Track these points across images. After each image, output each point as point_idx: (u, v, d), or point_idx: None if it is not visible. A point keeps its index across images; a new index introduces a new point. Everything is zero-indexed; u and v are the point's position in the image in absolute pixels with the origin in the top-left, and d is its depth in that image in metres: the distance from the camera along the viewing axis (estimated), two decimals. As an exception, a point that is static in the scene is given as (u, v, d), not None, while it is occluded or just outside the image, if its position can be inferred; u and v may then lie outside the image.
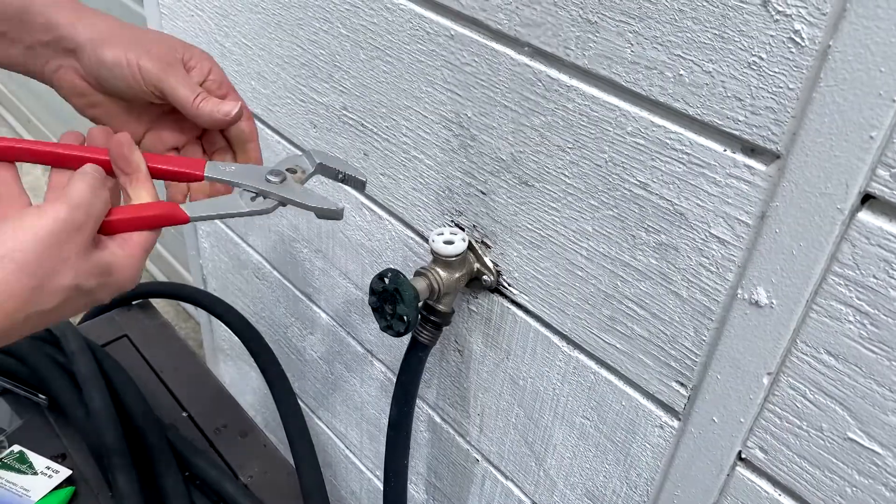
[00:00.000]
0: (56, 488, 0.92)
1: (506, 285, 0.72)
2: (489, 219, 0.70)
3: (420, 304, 0.69)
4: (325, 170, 0.62)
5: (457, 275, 0.71)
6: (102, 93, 0.60)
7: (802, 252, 0.48)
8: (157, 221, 0.52)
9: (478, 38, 0.62)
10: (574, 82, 0.57)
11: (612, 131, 0.56)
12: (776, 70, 0.45)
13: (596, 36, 0.53)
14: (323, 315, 1.07)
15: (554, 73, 0.58)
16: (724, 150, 0.50)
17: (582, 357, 0.68)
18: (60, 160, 0.54)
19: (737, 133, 0.49)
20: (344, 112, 0.81)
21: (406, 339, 0.75)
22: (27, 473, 0.93)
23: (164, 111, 0.62)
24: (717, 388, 0.57)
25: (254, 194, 0.57)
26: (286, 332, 1.19)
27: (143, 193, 0.54)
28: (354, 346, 1.02)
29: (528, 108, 0.61)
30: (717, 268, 0.53)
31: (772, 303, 0.51)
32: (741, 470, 0.59)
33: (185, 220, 0.54)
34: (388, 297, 0.68)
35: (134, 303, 1.20)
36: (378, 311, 0.70)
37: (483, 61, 0.63)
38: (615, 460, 0.69)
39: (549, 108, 0.59)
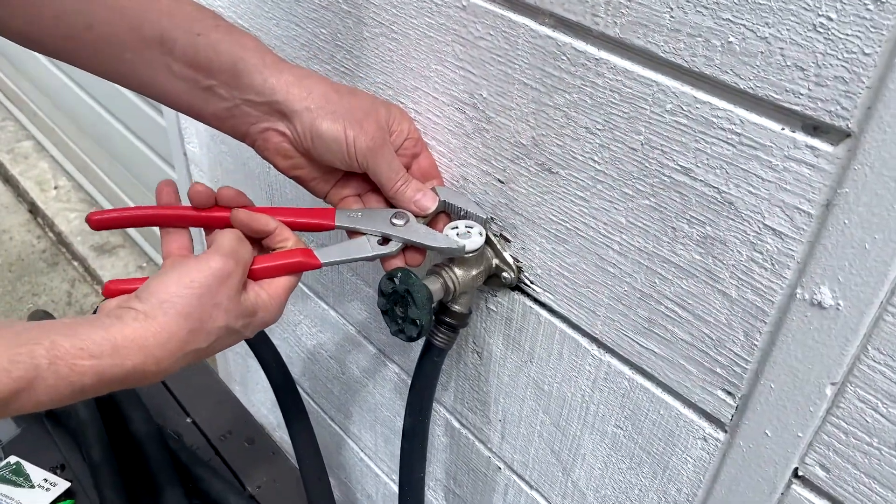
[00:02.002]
0: (54, 501, 0.88)
1: (528, 283, 0.65)
2: (509, 210, 0.63)
3: (434, 305, 0.63)
4: (448, 206, 0.64)
5: (474, 272, 0.65)
6: (306, 157, 0.61)
7: (877, 246, 0.41)
8: (294, 268, 0.58)
9: (492, 9, 0.55)
10: (604, 55, 0.50)
11: (649, 109, 0.49)
12: (848, 32, 0.38)
13: (629, 0, 0.46)
14: (332, 313, 1.01)
15: (580, 44, 0.51)
16: (782, 129, 0.43)
17: (614, 362, 0.61)
18: (212, 222, 0.62)
19: (798, 108, 0.42)
20: (348, 96, 0.75)
21: (420, 341, 0.69)
22: (24, 486, 0.89)
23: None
24: (771, 399, 0.51)
25: (380, 238, 0.61)
26: (295, 330, 1.13)
27: (287, 243, 0.60)
28: (366, 346, 0.96)
29: (551, 85, 0.54)
30: (773, 264, 0.47)
31: (838, 304, 0.44)
32: (797, 488, 0.52)
33: (319, 266, 0.59)
34: (398, 299, 0.62)
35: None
36: (388, 313, 0.64)
37: (499, 34, 0.56)
38: (652, 473, 0.63)
39: (576, 85, 0.52)
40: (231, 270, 0.54)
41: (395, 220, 0.62)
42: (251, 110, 0.59)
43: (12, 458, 0.92)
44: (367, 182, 0.65)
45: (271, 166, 0.63)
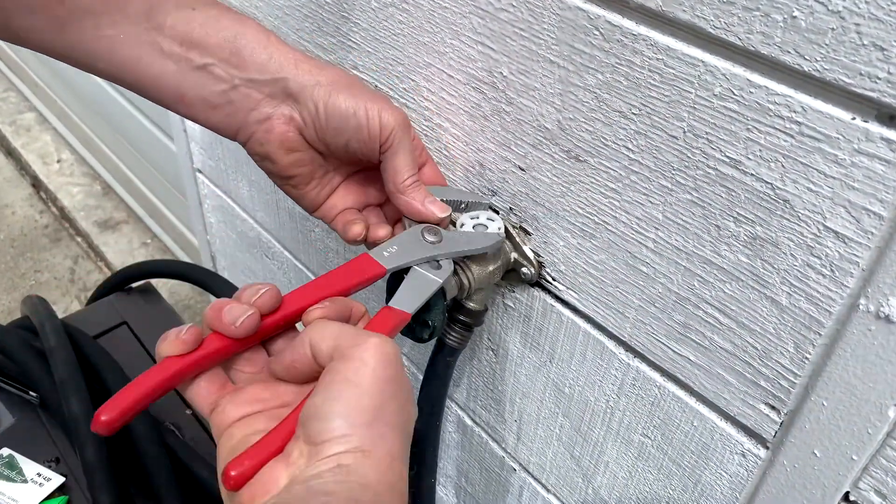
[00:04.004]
0: (48, 498, 0.84)
1: (549, 279, 0.60)
2: (529, 200, 0.58)
3: (447, 303, 0.57)
4: (451, 204, 0.58)
5: (490, 267, 0.60)
6: (314, 148, 0.55)
7: (963, 255, 0.35)
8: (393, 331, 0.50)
9: (515, -23, 0.50)
10: (643, 30, 0.44)
11: (694, 93, 0.43)
12: (943, 6, 0.32)
13: (675, -33, 0.41)
14: (338, 300, 0.96)
15: (615, 17, 0.45)
16: (853, 119, 0.37)
17: (644, 367, 0.56)
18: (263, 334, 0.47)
19: (873, 95, 0.36)
20: (354, 71, 0.69)
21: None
22: (16, 481, 0.85)
23: (355, 171, 0.59)
24: (822, 417, 0.45)
25: (426, 262, 0.54)
26: (300, 316, 1.09)
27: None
28: (374, 336, 0.92)
29: (581, 63, 0.48)
30: (833, 270, 0.41)
31: (910, 318, 0.39)
32: (848, 514, 0.47)
33: (408, 319, 0.51)
34: (408, 297, 0.57)
35: (135, 285, 1.10)
36: (397, 312, 0.59)
37: (522, 5, 0.50)
38: (682, 487, 0.58)
39: (609, 64, 0.47)
40: (395, 344, 0.43)
41: (428, 237, 0.54)
42: (252, 92, 0.52)
43: (5, 451, 0.88)
44: (366, 192, 0.59)
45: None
